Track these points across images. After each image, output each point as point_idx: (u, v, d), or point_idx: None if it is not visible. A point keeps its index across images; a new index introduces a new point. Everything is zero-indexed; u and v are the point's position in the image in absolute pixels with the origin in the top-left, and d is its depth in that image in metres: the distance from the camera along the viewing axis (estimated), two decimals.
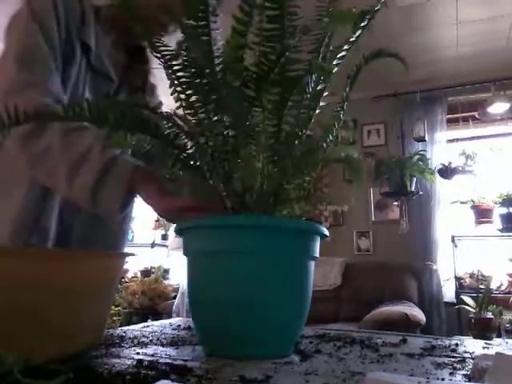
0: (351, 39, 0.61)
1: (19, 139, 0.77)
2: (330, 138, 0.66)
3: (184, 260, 0.63)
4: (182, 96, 0.63)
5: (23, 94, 0.78)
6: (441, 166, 3.71)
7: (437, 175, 3.61)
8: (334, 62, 0.62)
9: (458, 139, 3.92)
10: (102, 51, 0.92)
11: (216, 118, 0.61)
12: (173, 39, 0.71)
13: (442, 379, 0.47)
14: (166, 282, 4.41)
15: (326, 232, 0.62)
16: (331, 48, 0.63)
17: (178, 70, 0.62)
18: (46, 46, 0.82)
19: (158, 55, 0.63)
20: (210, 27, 0.58)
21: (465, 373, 0.50)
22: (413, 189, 3.52)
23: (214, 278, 0.58)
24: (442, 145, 3.92)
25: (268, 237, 0.57)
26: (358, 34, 0.60)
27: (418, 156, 3.58)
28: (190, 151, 0.64)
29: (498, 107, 3.65)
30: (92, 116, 0.54)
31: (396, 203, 3.98)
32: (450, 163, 3.69)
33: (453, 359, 0.58)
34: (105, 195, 0.71)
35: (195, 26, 0.58)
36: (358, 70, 0.65)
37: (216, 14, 0.58)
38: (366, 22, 0.59)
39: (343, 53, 0.62)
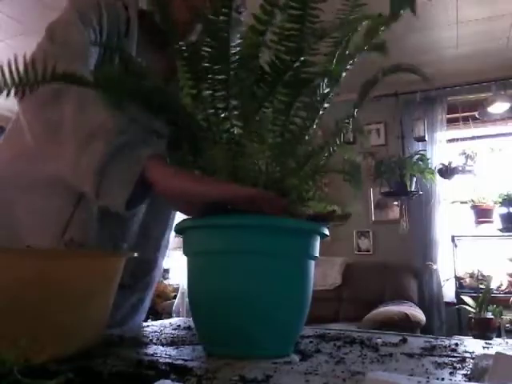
0: (365, 46, 0.59)
1: (35, 108, 0.72)
2: (338, 142, 0.65)
3: (184, 260, 0.63)
4: (193, 91, 0.63)
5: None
6: (441, 166, 3.72)
7: (437, 175, 3.61)
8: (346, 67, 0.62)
9: (458, 139, 3.92)
10: (143, 60, 0.88)
11: (224, 114, 0.61)
12: None
13: (442, 379, 0.47)
14: (165, 281, 4.41)
15: (327, 231, 0.62)
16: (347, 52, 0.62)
17: (191, 64, 0.62)
18: (83, 34, 0.79)
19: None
20: (231, 24, 0.57)
21: (465, 373, 0.50)
22: (413, 189, 3.53)
23: (213, 278, 0.58)
24: (442, 144, 3.93)
25: (268, 236, 0.57)
26: (374, 39, 0.59)
27: (417, 156, 3.58)
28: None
29: (498, 107, 3.65)
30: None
31: (396, 203, 3.99)
32: (450, 163, 3.70)
33: (453, 359, 0.58)
34: (109, 184, 0.62)
35: (216, 21, 0.57)
36: (374, 83, 0.63)
37: (239, 11, 0.57)
38: (384, 28, 0.57)
39: (355, 59, 0.61)
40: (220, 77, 0.59)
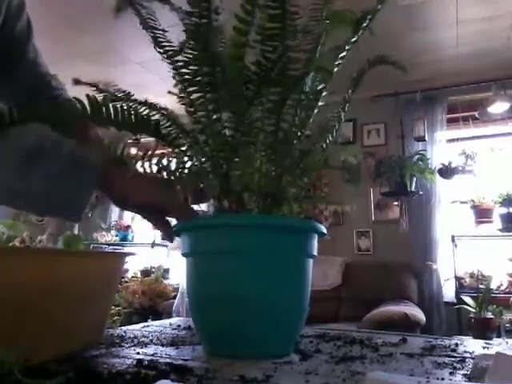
0: (352, 39, 0.61)
1: None
2: (330, 138, 0.66)
3: (183, 260, 0.63)
4: (183, 94, 0.63)
5: None
6: (441, 166, 3.72)
7: (437, 175, 3.61)
8: (336, 63, 0.62)
9: (458, 139, 3.92)
10: None
11: (215, 116, 0.61)
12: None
13: (442, 379, 0.47)
14: (165, 281, 4.42)
15: (324, 230, 0.62)
16: (330, 47, 0.63)
17: (180, 67, 0.62)
18: None
19: (161, 51, 0.63)
20: (212, 25, 0.58)
21: (465, 373, 0.50)
22: (413, 188, 3.53)
23: (212, 278, 0.58)
24: (442, 144, 3.92)
25: (266, 236, 0.57)
26: (359, 34, 0.60)
27: (418, 156, 3.58)
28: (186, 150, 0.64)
29: (498, 107, 3.65)
30: (95, 115, 0.53)
31: (396, 203, 3.98)
32: (450, 163, 3.70)
33: (453, 359, 0.58)
34: (74, 190, 0.60)
35: (197, 24, 0.57)
36: (362, 74, 0.65)
37: (218, 12, 0.58)
38: (367, 23, 0.58)
39: (344, 53, 0.62)
40: (207, 78, 0.59)
